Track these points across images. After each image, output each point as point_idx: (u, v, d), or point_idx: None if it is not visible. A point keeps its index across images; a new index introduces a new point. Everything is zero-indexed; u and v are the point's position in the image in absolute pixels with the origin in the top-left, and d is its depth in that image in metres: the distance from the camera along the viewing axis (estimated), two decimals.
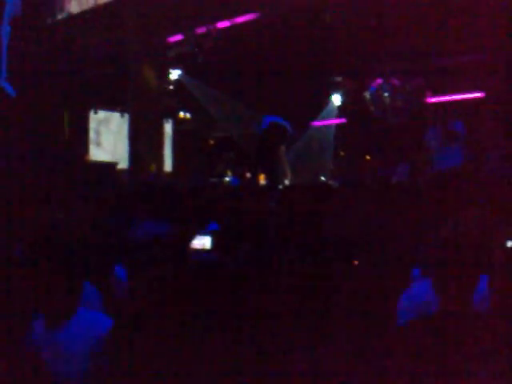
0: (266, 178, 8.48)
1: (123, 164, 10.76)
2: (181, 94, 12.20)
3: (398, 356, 1.90)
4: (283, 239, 3.75)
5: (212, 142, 15.40)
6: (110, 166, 11.85)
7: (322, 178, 10.31)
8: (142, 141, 9.61)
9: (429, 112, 7.23)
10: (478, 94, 10.69)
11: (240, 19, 9.16)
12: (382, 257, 3.41)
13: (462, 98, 10.50)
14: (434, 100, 10.39)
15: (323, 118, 13.80)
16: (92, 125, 13.89)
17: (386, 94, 10.16)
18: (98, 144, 13.89)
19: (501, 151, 7.17)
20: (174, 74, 11.42)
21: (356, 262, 3.33)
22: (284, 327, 2.33)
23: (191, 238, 3.25)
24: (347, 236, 4.06)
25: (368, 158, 13.12)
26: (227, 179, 9.28)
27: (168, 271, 2.13)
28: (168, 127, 13.13)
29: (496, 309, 2.27)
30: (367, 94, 10.54)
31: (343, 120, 13.42)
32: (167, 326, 1.73)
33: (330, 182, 8.64)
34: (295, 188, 7.48)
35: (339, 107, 13.27)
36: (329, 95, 13.12)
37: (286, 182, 7.90)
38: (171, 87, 11.39)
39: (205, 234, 3.32)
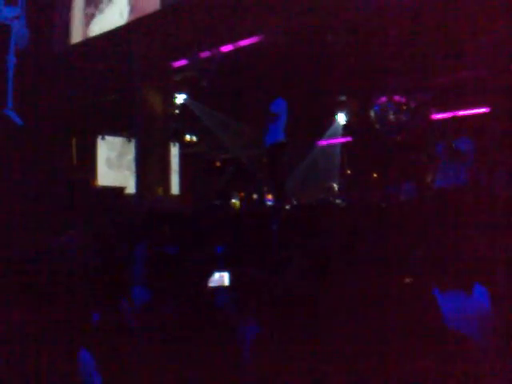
0: (273, 198, 8.48)
1: (131, 189, 10.84)
2: (186, 118, 12.31)
3: None
4: (287, 260, 3.74)
5: (218, 163, 15.47)
6: (117, 191, 11.93)
7: (329, 197, 10.30)
8: (149, 165, 9.67)
9: (436, 129, 7.23)
10: (483, 110, 10.69)
11: (243, 43, 9.26)
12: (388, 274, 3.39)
13: (468, 114, 10.51)
14: (439, 116, 10.40)
15: (329, 137, 13.85)
16: (100, 150, 14.01)
17: (390, 112, 10.19)
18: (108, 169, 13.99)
19: (509, 168, 7.15)
20: (180, 99, 11.55)
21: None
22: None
23: (208, 275, 3.21)
24: (356, 254, 4.05)
25: (375, 175, 13.11)
26: (234, 201, 9.30)
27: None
28: (174, 150, 13.20)
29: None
30: (372, 112, 10.57)
31: (349, 139, 13.46)
32: None
33: (337, 201, 8.64)
34: (301, 208, 7.50)
35: (344, 126, 13.32)
36: (334, 114, 13.18)
37: (294, 201, 7.90)
38: (177, 111, 11.50)
39: (222, 269, 3.28)
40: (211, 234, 4.81)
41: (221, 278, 3.16)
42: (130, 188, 11.16)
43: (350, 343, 2.33)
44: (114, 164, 14.05)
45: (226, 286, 3.13)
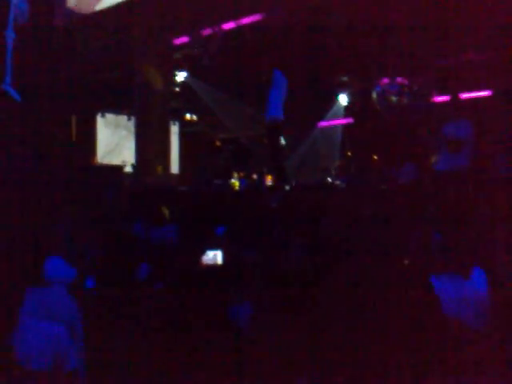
0: (274, 179, 8.45)
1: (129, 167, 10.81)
2: (187, 96, 12.22)
3: None
4: (286, 239, 3.74)
5: (218, 143, 15.41)
6: (117, 169, 11.89)
7: (329, 179, 10.28)
8: (149, 143, 9.63)
9: (437, 111, 7.18)
10: (486, 93, 10.63)
11: (245, 20, 9.15)
12: (386, 256, 3.39)
13: (470, 97, 10.45)
14: (441, 99, 10.34)
15: (330, 118, 13.78)
16: (99, 127, 13.95)
17: (392, 93, 10.12)
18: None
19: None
20: (180, 76, 11.45)
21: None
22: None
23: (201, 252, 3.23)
24: (352, 235, 4.05)
25: (375, 157, 13.08)
26: (233, 181, 9.27)
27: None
28: (174, 129, 13.15)
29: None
30: (374, 94, 10.50)
31: (350, 120, 13.39)
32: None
33: (337, 182, 8.62)
34: (300, 188, 7.48)
35: (346, 107, 13.25)
36: (335, 95, 13.10)
37: (293, 182, 7.88)
38: (177, 89, 11.42)
39: (215, 248, 3.28)
40: (210, 213, 4.81)
41: (214, 257, 3.17)
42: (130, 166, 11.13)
43: (347, 326, 2.33)
44: (114, 141, 13.99)
45: (220, 265, 3.15)
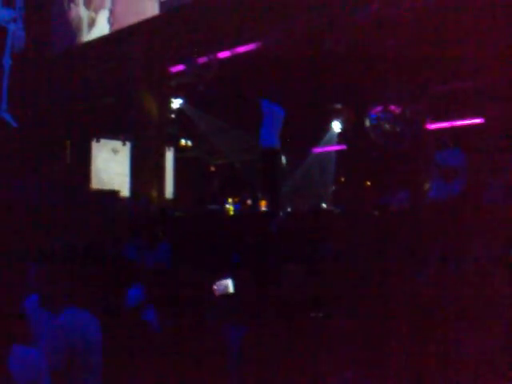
0: (268, 204, 8.49)
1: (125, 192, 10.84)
2: (182, 123, 12.32)
3: None
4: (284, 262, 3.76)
5: (213, 168, 15.47)
6: (112, 194, 11.90)
7: (323, 205, 10.32)
8: (144, 168, 9.67)
9: (431, 139, 7.27)
10: (478, 120, 10.76)
11: (241, 49, 9.28)
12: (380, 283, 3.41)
13: (464, 125, 10.57)
14: (434, 126, 10.46)
15: (324, 145, 13.90)
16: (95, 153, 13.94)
17: (386, 121, 10.24)
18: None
19: (503, 179, 7.19)
20: (176, 103, 11.55)
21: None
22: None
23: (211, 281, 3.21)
24: (349, 260, 4.08)
25: (368, 183, 13.16)
26: (228, 206, 9.30)
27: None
28: (169, 155, 13.19)
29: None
30: (367, 121, 10.61)
31: (343, 146, 13.50)
32: None
33: (332, 208, 8.65)
34: (297, 214, 7.52)
35: (339, 134, 13.37)
36: (329, 122, 13.23)
37: (288, 208, 7.91)
38: (173, 116, 11.51)
39: (225, 276, 3.27)
40: (206, 238, 4.82)
41: (226, 286, 3.17)
42: (125, 191, 11.15)
43: (343, 349, 2.34)
44: (109, 167, 13.99)
45: (231, 293, 3.14)
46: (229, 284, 3.18)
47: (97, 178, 13.74)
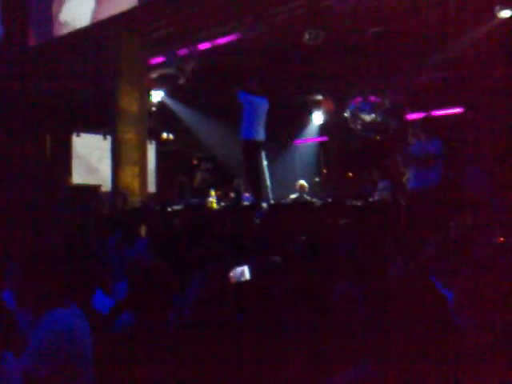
0: (251, 195, 8.52)
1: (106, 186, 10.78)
2: (163, 116, 12.26)
3: None
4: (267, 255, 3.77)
5: (195, 161, 15.45)
6: (93, 189, 11.83)
7: (306, 196, 10.36)
8: (125, 162, 9.60)
9: (409, 128, 7.33)
10: (457, 110, 10.89)
11: (221, 41, 9.26)
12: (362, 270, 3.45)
13: (443, 114, 10.69)
14: (413, 116, 10.55)
15: (305, 136, 13.95)
16: (75, 147, 13.85)
17: (365, 112, 10.30)
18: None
19: (482, 166, 7.29)
20: (157, 96, 11.48)
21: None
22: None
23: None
24: (331, 251, 4.11)
25: (350, 174, 13.26)
26: (210, 199, 9.29)
27: None
28: (151, 148, 13.14)
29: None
30: (347, 112, 10.67)
31: (325, 138, 13.57)
32: None
33: (314, 200, 8.70)
34: (280, 206, 7.55)
35: (320, 125, 13.44)
36: (310, 113, 13.28)
37: (270, 199, 7.93)
38: (154, 109, 11.44)
39: (241, 264, 3.25)
40: (190, 232, 4.82)
41: (242, 272, 3.15)
42: (106, 186, 11.08)
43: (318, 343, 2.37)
44: (89, 161, 13.90)
45: (248, 280, 3.12)
46: (245, 270, 3.15)
47: (77, 172, 13.66)
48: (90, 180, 12.95)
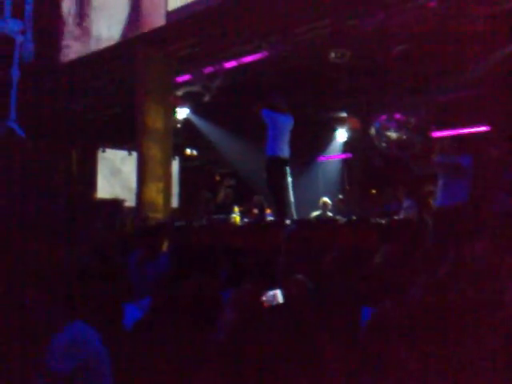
0: (273, 212, 8.52)
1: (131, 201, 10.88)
2: (188, 132, 12.38)
3: None
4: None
5: (218, 177, 15.52)
6: (117, 204, 11.95)
7: (329, 213, 10.33)
8: (150, 178, 9.70)
9: (435, 146, 7.29)
10: (483, 128, 10.79)
11: (247, 59, 9.35)
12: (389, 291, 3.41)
13: (468, 133, 10.60)
14: (439, 134, 10.49)
15: (329, 153, 13.94)
16: (100, 163, 14.06)
17: (391, 129, 10.27)
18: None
19: (506, 187, 7.20)
20: (182, 113, 11.61)
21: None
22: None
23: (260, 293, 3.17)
24: (357, 272, 4.08)
25: (374, 192, 13.17)
26: (234, 215, 9.30)
27: None
28: (175, 164, 13.26)
29: None
30: (372, 130, 10.65)
31: (349, 155, 13.54)
32: None
33: (338, 217, 8.66)
34: (304, 223, 7.53)
35: (344, 142, 13.42)
36: (334, 130, 13.28)
37: (294, 216, 7.92)
38: (178, 125, 11.56)
39: (274, 288, 3.25)
40: (214, 249, 4.83)
41: (275, 296, 3.14)
42: (130, 201, 11.19)
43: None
44: (115, 177, 14.08)
45: (280, 303, 3.10)
46: (278, 294, 3.14)
47: (102, 187, 13.84)
48: (115, 195, 13.09)
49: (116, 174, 14.05)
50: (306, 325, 2.52)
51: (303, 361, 2.29)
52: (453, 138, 7.05)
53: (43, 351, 2.45)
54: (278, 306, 3.07)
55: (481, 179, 7.10)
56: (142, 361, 2.52)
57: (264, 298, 3.07)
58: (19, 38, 8.32)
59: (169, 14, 8.65)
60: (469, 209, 6.32)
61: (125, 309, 3.07)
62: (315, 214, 10.26)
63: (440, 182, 6.61)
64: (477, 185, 6.77)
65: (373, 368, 2.05)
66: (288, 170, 7.76)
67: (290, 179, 7.84)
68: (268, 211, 9.38)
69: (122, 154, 14.09)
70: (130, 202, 11.02)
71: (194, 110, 11.87)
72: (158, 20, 8.93)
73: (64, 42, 10.34)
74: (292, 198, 7.87)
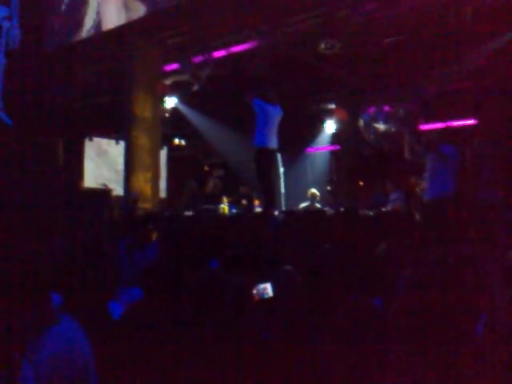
0: (262, 203, 8.52)
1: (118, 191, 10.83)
2: (176, 122, 12.30)
3: None
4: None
5: (206, 167, 15.47)
6: (104, 193, 11.87)
7: (317, 205, 10.34)
8: (138, 167, 9.64)
9: (423, 138, 7.33)
10: (471, 121, 10.84)
11: (236, 48, 9.30)
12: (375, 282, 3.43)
13: (456, 125, 10.65)
14: (427, 127, 10.52)
15: (317, 145, 13.95)
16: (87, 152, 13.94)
17: (379, 122, 10.29)
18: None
19: (495, 178, 7.25)
20: (170, 102, 11.53)
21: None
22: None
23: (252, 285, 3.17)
24: (344, 261, 4.08)
25: (361, 183, 13.21)
26: (223, 205, 9.30)
27: None
28: (162, 154, 13.19)
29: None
30: (361, 122, 10.66)
31: (337, 147, 13.56)
32: None
33: (326, 209, 8.68)
34: (292, 214, 7.53)
35: (333, 134, 13.42)
36: (322, 122, 13.28)
37: (282, 207, 7.93)
38: (167, 114, 11.49)
39: (264, 281, 3.24)
40: (203, 239, 4.81)
41: (265, 289, 3.14)
42: (117, 190, 11.13)
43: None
44: (101, 166, 13.98)
45: (271, 297, 3.10)
46: (268, 287, 3.14)
47: (89, 176, 13.73)
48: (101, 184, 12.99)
49: (104, 159, 13.97)
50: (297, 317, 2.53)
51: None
52: (440, 129, 7.08)
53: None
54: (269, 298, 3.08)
55: (466, 172, 7.15)
56: (133, 348, 2.48)
57: (255, 291, 3.08)
58: (5, 25, 8.18)
59: (157, 2, 8.55)
60: (455, 203, 6.37)
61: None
62: (303, 205, 10.27)
63: (427, 174, 6.65)
64: (463, 178, 6.82)
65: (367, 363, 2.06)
66: (280, 159, 7.77)
67: (282, 169, 7.84)
68: (256, 203, 9.38)
69: (109, 142, 13.99)
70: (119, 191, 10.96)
71: (183, 100, 11.80)
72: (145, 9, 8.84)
73: (50, 29, 10.20)
74: (283, 189, 7.87)
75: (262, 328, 2.49)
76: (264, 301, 3.04)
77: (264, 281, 3.15)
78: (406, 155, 7.10)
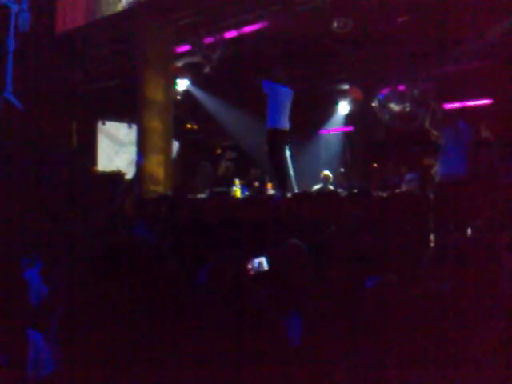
0: (275, 186, 8.48)
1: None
2: (188, 104, 12.24)
3: None
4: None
5: (219, 150, 15.43)
6: (118, 176, 11.89)
7: (330, 187, 10.27)
8: (150, 151, 9.62)
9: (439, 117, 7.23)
10: (486, 101, 10.66)
11: (247, 29, 9.19)
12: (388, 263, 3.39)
13: (470, 105, 10.48)
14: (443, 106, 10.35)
15: (331, 127, 13.81)
16: (100, 135, 13.97)
17: (393, 102, 10.15)
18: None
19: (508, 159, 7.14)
20: (182, 84, 11.47)
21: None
22: None
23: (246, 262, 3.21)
24: (356, 243, 4.04)
25: (375, 165, 13.08)
26: (235, 188, 9.26)
27: None
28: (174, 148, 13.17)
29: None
30: (375, 102, 10.52)
31: (350, 128, 13.41)
32: None
33: (339, 190, 8.61)
34: (304, 196, 7.48)
35: (346, 115, 13.27)
36: (336, 103, 13.13)
37: (295, 189, 7.88)
38: (178, 97, 11.43)
39: (259, 255, 3.28)
40: (214, 221, 4.80)
41: (260, 263, 3.17)
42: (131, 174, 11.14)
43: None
44: (115, 149, 14.01)
45: (266, 271, 3.14)
46: (263, 261, 3.18)
47: (103, 160, 13.77)
48: (115, 168, 13.02)
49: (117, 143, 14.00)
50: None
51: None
52: (458, 108, 7.00)
53: None
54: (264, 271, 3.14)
55: (481, 151, 7.04)
56: None
57: (250, 266, 3.12)
58: (15, 8, 8.15)
59: None
60: (469, 183, 6.28)
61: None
62: (316, 187, 10.21)
63: (442, 152, 6.58)
64: (477, 158, 6.72)
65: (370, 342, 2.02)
66: (287, 143, 7.70)
67: (288, 153, 7.77)
68: (269, 186, 9.33)
69: (122, 126, 14.00)
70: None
71: (195, 82, 11.72)
72: None
73: (62, 11, 10.16)
74: (292, 172, 7.81)
75: (263, 302, 2.46)
76: (261, 274, 3.08)
77: (260, 255, 3.20)
78: (427, 126, 7.02)
